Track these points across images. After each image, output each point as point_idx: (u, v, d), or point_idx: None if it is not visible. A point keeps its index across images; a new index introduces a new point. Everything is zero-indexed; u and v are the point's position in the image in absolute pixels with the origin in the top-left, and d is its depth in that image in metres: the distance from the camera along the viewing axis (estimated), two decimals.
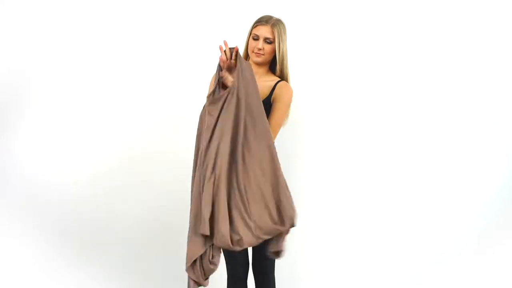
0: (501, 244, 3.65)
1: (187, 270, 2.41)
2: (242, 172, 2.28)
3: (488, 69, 3.73)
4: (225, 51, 2.36)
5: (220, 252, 2.41)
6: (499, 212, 3.69)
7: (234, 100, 2.32)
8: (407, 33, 3.69)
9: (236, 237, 2.27)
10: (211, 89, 2.42)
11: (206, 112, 2.37)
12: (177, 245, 3.47)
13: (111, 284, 3.48)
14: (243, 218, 2.28)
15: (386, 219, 3.69)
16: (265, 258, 2.55)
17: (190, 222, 2.41)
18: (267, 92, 2.50)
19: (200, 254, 2.35)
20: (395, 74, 3.71)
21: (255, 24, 2.54)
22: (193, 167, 2.53)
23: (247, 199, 2.29)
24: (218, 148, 2.30)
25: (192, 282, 2.41)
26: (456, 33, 3.71)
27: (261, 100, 2.40)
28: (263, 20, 2.53)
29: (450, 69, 3.73)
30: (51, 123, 3.56)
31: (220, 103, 2.34)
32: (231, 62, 2.36)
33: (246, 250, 2.58)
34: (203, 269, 2.38)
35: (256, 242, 2.33)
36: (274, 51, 2.53)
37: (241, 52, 2.61)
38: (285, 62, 2.56)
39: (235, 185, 2.29)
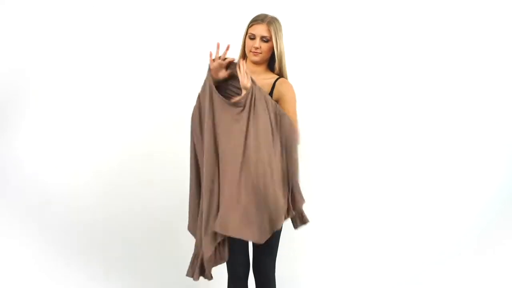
0: (501, 244, 3.65)
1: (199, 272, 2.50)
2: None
3: (488, 69, 3.73)
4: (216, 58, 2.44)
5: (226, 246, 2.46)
6: (499, 212, 3.69)
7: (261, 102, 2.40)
8: (407, 32, 3.70)
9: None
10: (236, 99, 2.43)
11: (232, 119, 2.40)
12: (177, 245, 3.49)
13: (111, 284, 3.48)
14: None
15: (386, 219, 3.69)
16: (265, 257, 2.56)
17: (202, 221, 2.45)
18: (267, 90, 2.51)
19: (213, 250, 2.41)
20: (395, 74, 3.71)
21: (251, 23, 2.54)
22: (195, 167, 2.53)
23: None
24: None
25: (197, 276, 2.49)
26: (456, 33, 3.71)
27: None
28: (259, 19, 2.52)
29: (450, 69, 3.73)
30: (51, 123, 3.56)
31: (245, 109, 2.38)
32: (221, 62, 2.42)
33: (247, 250, 2.58)
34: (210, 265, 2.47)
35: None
36: (271, 49, 2.53)
37: (239, 52, 2.61)
38: (283, 59, 2.56)
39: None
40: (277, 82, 2.53)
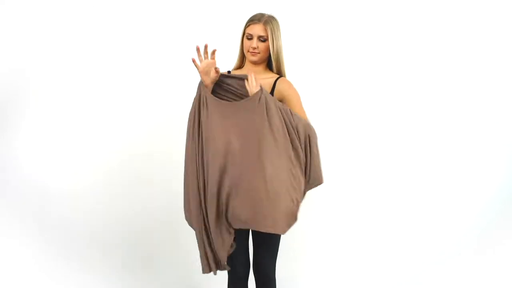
0: (501, 244, 3.65)
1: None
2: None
3: (488, 70, 3.74)
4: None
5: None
6: (499, 212, 3.69)
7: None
8: (407, 31, 3.70)
9: None
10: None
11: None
12: (178, 245, 3.49)
13: (111, 284, 3.48)
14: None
15: (386, 219, 3.70)
16: (266, 257, 2.56)
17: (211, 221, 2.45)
18: (268, 89, 2.51)
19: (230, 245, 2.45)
20: (395, 74, 3.72)
21: (248, 24, 2.54)
22: (197, 168, 2.52)
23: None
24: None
25: (215, 270, 2.51)
26: (457, 33, 3.71)
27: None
28: (256, 19, 2.52)
29: (450, 69, 3.73)
30: (51, 123, 3.56)
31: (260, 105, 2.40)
32: (209, 61, 2.44)
33: (247, 250, 2.58)
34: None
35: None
36: (269, 48, 2.52)
37: (237, 52, 2.61)
38: (280, 58, 2.55)
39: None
40: (277, 82, 2.53)
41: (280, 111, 2.42)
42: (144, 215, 3.57)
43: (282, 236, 2.56)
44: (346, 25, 3.69)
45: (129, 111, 3.60)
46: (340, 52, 3.68)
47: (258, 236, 2.53)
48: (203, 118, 2.46)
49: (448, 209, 3.72)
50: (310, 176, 2.49)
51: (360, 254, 3.67)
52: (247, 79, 2.43)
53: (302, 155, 2.45)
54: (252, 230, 2.55)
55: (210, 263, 2.48)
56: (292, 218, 2.42)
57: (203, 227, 2.47)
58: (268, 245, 2.54)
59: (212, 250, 2.47)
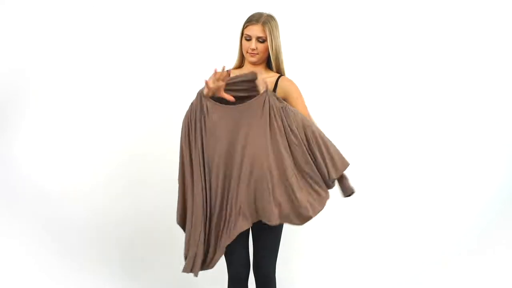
0: (501, 244, 3.65)
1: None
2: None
3: (488, 70, 3.73)
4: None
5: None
6: (499, 212, 3.69)
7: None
8: (407, 30, 3.70)
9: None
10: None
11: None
12: (178, 246, 3.48)
13: (111, 284, 3.48)
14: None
15: (386, 219, 3.69)
16: (266, 257, 2.55)
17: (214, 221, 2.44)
18: (270, 89, 2.51)
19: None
20: (395, 74, 3.71)
21: (246, 24, 2.53)
22: (200, 171, 2.50)
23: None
24: None
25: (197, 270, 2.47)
26: (457, 33, 3.71)
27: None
28: (254, 19, 2.51)
29: (450, 69, 3.73)
30: (51, 123, 3.56)
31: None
32: (223, 83, 2.40)
33: (247, 250, 2.58)
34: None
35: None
36: (268, 49, 2.52)
37: (236, 53, 2.60)
38: (280, 57, 2.55)
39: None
40: (279, 80, 2.53)
41: (281, 112, 2.42)
42: (144, 216, 3.57)
43: (282, 236, 2.55)
44: (344, 23, 3.68)
45: (129, 112, 3.59)
46: (339, 51, 3.68)
47: (258, 236, 2.53)
48: (208, 124, 2.44)
49: (448, 209, 3.72)
50: (332, 164, 2.48)
51: (360, 254, 3.66)
52: (257, 80, 2.44)
53: (307, 155, 2.45)
54: (252, 231, 2.55)
55: (195, 265, 2.46)
56: (285, 218, 2.41)
57: (202, 230, 2.47)
58: (268, 245, 2.53)
59: (204, 253, 2.46)
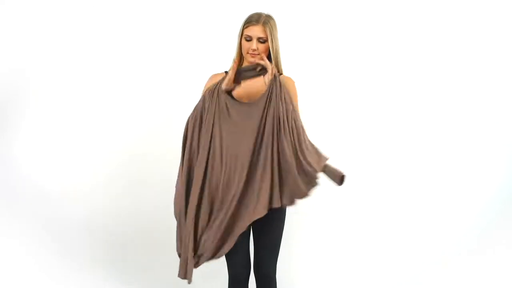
0: (501, 244, 3.65)
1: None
2: None
3: (488, 70, 3.74)
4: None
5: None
6: (499, 212, 3.70)
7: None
8: (407, 30, 3.70)
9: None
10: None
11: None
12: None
13: (111, 284, 3.48)
14: None
15: (386, 219, 3.69)
16: (267, 257, 2.55)
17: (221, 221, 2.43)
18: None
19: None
20: (394, 74, 3.72)
21: (246, 25, 2.53)
22: (204, 171, 2.50)
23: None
24: None
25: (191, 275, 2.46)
26: (457, 33, 3.71)
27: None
28: (254, 20, 2.51)
29: (450, 69, 3.73)
30: (51, 123, 3.56)
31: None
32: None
33: (248, 250, 2.58)
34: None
35: None
36: (269, 49, 2.52)
37: (234, 53, 2.61)
38: (279, 58, 2.56)
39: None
40: (280, 78, 2.54)
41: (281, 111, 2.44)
42: (144, 216, 3.57)
43: (282, 236, 2.56)
44: (343, 22, 3.69)
45: (129, 112, 3.60)
46: (338, 50, 3.68)
47: (259, 236, 2.53)
48: (224, 126, 2.45)
49: (448, 209, 3.72)
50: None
51: (360, 254, 3.66)
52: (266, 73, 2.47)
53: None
54: (253, 231, 2.55)
55: (188, 271, 2.45)
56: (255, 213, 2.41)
57: (192, 230, 2.47)
58: (269, 245, 2.54)
59: (199, 255, 2.46)
